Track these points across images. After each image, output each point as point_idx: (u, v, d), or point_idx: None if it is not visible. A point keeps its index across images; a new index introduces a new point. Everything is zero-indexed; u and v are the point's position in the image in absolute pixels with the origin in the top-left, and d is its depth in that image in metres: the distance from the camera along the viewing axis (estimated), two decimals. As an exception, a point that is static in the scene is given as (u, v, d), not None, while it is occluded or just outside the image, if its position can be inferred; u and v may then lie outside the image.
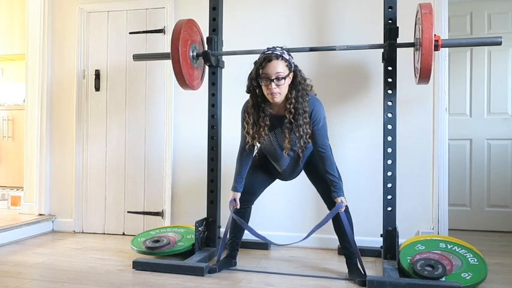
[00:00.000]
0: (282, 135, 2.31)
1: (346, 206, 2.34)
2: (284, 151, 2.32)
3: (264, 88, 2.22)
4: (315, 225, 2.38)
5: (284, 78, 2.18)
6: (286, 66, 2.20)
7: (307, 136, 2.26)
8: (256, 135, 2.31)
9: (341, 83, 3.05)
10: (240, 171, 2.48)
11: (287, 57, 2.22)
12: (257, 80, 2.23)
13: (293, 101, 2.22)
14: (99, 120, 3.54)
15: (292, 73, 2.23)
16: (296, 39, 3.08)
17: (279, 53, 2.19)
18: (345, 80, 3.05)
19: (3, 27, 4.69)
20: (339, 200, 2.29)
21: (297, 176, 2.55)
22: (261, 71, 2.19)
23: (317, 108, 2.27)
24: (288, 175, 2.51)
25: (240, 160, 2.48)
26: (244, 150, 2.45)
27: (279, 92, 2.19)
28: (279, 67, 2.17)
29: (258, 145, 2.43)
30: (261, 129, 2.29)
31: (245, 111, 2.37)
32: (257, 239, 2.97)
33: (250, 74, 2.28)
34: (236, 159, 2.50)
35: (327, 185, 2.34)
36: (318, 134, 2.28)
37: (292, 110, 2.21)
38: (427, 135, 2.94)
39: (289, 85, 2.23)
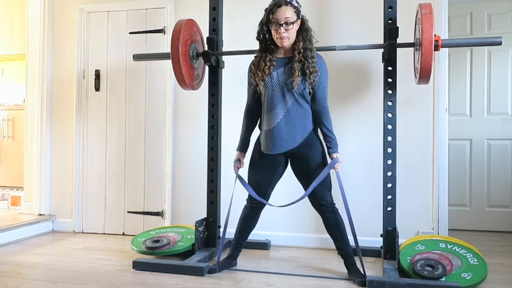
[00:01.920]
0: (286, 74, 2.34)
1: (337, 208, 2.38)
2: (294, 84, 2.30)
3: (273, 33, 2.31)
4: (314, 181, 2.32)
5: (292, 23, 2.27)
6: (295, 12, 2.29)
7: (316, 74, 2.30)
8: (260, 73, 2.36)
9: (341, 83, 3.04)
10: (246, 130, 2.54)
11: (296, 4, 2.31)
12: (267, 25, 2.32)
13: (301, 44, 2.32)
14: (99, 120, 3.54)
15: (299, 20, 2.32)
16: (296, 39, 3.07)
17: (288, 0, 2.29)
18: (345, 80, 3.05)
19: (3, 27, 4.70)
20: (334, 155, 2.36)
21: (290, 146, 2.35)
22: (271, 16, 2.29)
23: (320, 62, 2.36)
24: (281, 136, 2.33)
25: (245, 118, 2.54)
26: (250, 106, 2.50)
27: (288, 36, 2.28)
28: (288, 12, 2.26)
29: (263, 84, 2.36)
30: (266, 67, 2.35)
31: (254, 58, 2.45)
32: (257, 239, 3.00)
33: (261, 20, 2.37)
34: (242, 120, 2.54)
35: (312, 178, 2.34)
36: (320, 88, 2.35)
37: (301, 50, 2.31)
38: (427, 135, 2.94)
39: (297, 31, 2.32)
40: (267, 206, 2.48)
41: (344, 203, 2.35)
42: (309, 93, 2.35)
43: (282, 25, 2.26)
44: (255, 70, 2.40)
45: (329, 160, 2.39)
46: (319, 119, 2.38)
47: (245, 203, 2.54)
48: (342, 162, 2.40)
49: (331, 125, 2.39)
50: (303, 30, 2.34)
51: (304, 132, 2.36)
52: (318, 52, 2.40)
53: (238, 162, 2.54)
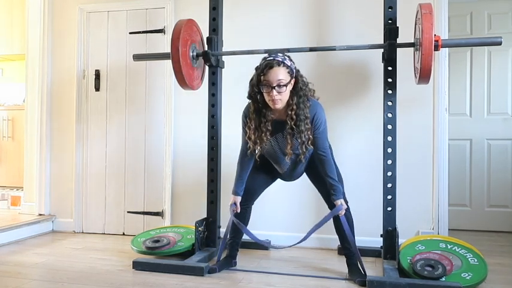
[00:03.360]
0: (283, 140, 2.31)
1: (348, 206, 2.35)
2: (286, 157, 2.32)
3: (265, 95, 2.21)
4: (314, 225, 2.38)
5: (285, 85, 2.17)
6: (288, 72, 2.19)
7: (309, 142, 2.26)
8: (258, 140, 2.31)
9: (341, 83, 3.05)
10: (240, 175, 2.47)
11: (289, 63, 2.20)
12: (258, 87, 2.22)
13: (294, 107, 2.21)
14: (99, 120, 3.54)
15: (293, 79, 2.23)
16: (296, 39, 3.08)
17: (280, 60, 2.18)
18: (345, 80, 3.05)
19: (3, 27, 4.69)
20: (338, 202, 2.29)
21: (298, 178, 2.55)
22: (262, 77, 2.18)
23: (318, 113, 2.27)
24: (289, 176, 2.51)
25: (241, 164, 2.48)
26: (246, 155, 2.44)
27: (280, 98, 2.18)
28: (280, 74, 2.16)
29: (259, 149, 2.40)
30: (263, 135, 2.29)
31: (246, 116, 2.36)
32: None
33: (251, 80, 2.27)
34: (237, 163, 2.49)
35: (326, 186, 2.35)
36: (319, 138, 2.29)
37: (294, 117, 2.21)
38: (427, 135, 2.94)
39: (290, 91, 2.23)
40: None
41: (351, 244, 2.33)
42: (309, 143, 2.27)
43: (274, 87, 2.15)
44: (251, 136, 2.30)
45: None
46: (321, 167, 2.32)
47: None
48: (344, 209, 2.32)
49: (333, 172, 2.30)
50: (297, 90, 2.22)
51: (307, 164, 2.46)
52: (317, 101, 2.33)
53: (235, 206, 2.46)
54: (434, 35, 2.18)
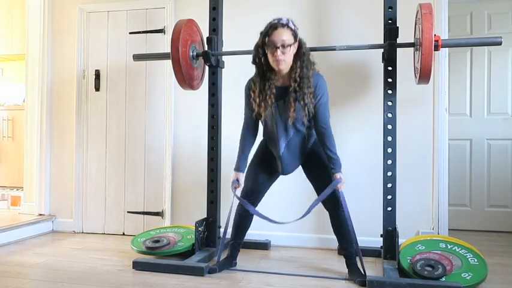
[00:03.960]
0: (285, 107, 2.30)
1: (344, 205, 2.34)
2: (289, 120, 2.29)
3: (269, 56, 2.25)
4: (315, 199, 2.37)
5: (290, 45, 2.21)
6: (292, 35, 2.23)
7: (312, 106, 2.26)
8: (263, 103, 2.32)
9: (341, 83, 3.04)
10: (243, 150, 2.49)
11: (293, 26, 2.25)
12: (263, 48, 2.25)
13: (298, 70, 2.25)
14: (99, 120, 3.54)
15: (297, 43, 2.26)
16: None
17: (284, 22, 2.23)
18: (345, 80, 3.05)
19: (3, 27, 4.70)
20: (337, 175, 2.31)
21: (295, 168, 2.49)
22: (267, 38, 2.22)
23: (321, 83, 2.30)
24: (286, 162, 2.42)
25: (243, 139, 2.49)
26: (248, 128, 2.46)
27: (284, 59, 2.22)
28: (284, 35, 2.20)
29: (264, 115, 2.37)
30: (267, 97, 2.30)
31: (251, 81, 2.40)
32: (257, 239, 3.01)
33: (257, 43, 2.30)
34: (239, 138, 2.50)
35: (323, 181, 2.36)
36: (321, 109, 2.30)
37: (297, 79, 2.24)
38: (427, 135, 2.94)
39: (294, 55, 2.26)
40: (262, 205, 2.51)
41: (348, 222, 2.34)
42: (312, 108, 2.28)
43: (278, 48, 2.19)
44: (256, 99, 2.33)
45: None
46: (321, 140, 2.34)
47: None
48: (345, 183, 2.34)
49: (334, 146, 2.32)
50: (301, 55, 2.27)
51: (304, 154, 2.44)
52: (319, 73, 2.34)
53: (237, 182, 2.47)
54: (434, 35, 2.18)
